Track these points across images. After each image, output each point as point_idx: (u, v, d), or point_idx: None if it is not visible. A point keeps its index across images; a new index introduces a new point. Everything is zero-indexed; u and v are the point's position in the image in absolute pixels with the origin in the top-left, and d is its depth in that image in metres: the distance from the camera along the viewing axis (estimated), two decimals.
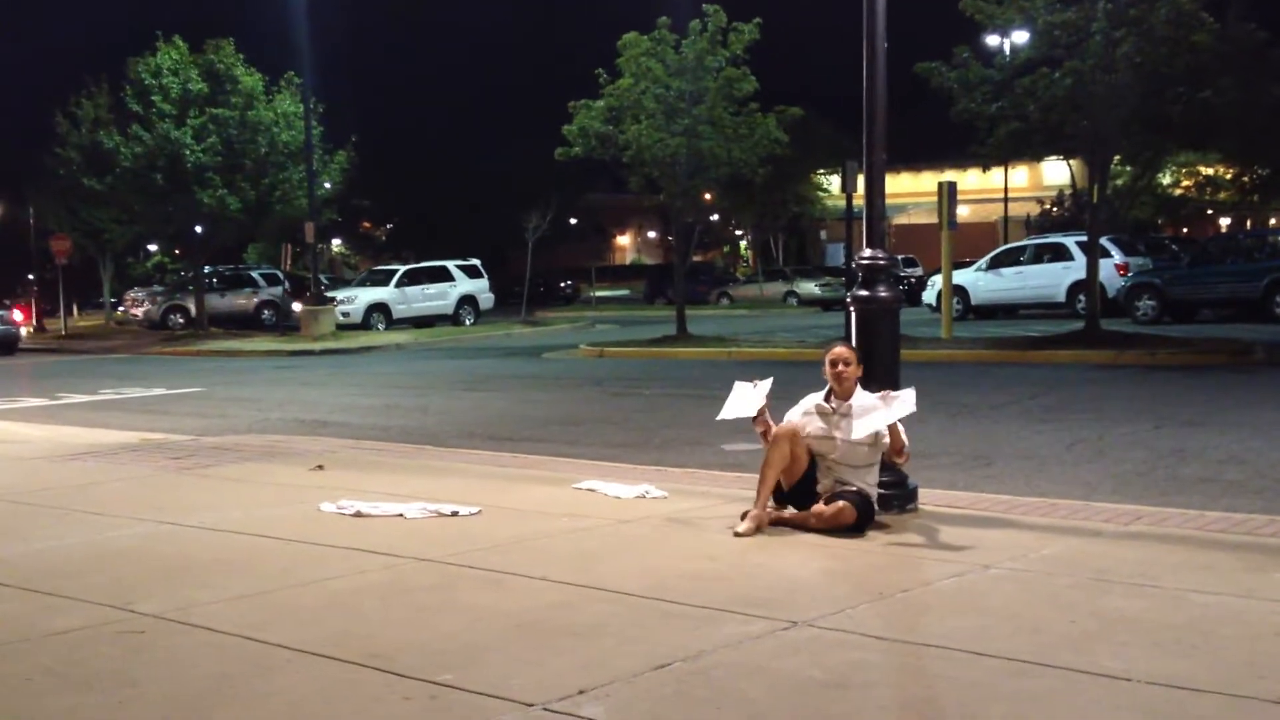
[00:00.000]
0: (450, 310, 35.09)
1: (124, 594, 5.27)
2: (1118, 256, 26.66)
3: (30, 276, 47.36)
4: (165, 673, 4.25)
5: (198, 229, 33.83)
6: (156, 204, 32.22)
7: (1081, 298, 23.86)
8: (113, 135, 31.54)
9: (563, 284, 57.19)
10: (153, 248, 53.93)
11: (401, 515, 6.86)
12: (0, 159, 46.32)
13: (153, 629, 4.77)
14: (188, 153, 30.92)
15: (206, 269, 36.67)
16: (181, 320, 36.36)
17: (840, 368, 6.52)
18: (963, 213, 27.57)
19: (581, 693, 3.90)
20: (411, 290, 34.74)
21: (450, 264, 36.35)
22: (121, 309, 43.32)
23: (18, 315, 33.38)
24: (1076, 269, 25.50)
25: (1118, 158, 19.67)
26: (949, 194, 21.78)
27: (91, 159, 32.36)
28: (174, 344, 30.86)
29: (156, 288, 42.93)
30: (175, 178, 31.22)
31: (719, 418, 6.79)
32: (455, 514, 6.87)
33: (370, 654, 4.34)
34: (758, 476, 6.46)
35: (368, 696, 3.95)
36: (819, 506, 6.24)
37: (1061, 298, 27.35)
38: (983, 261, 29.85)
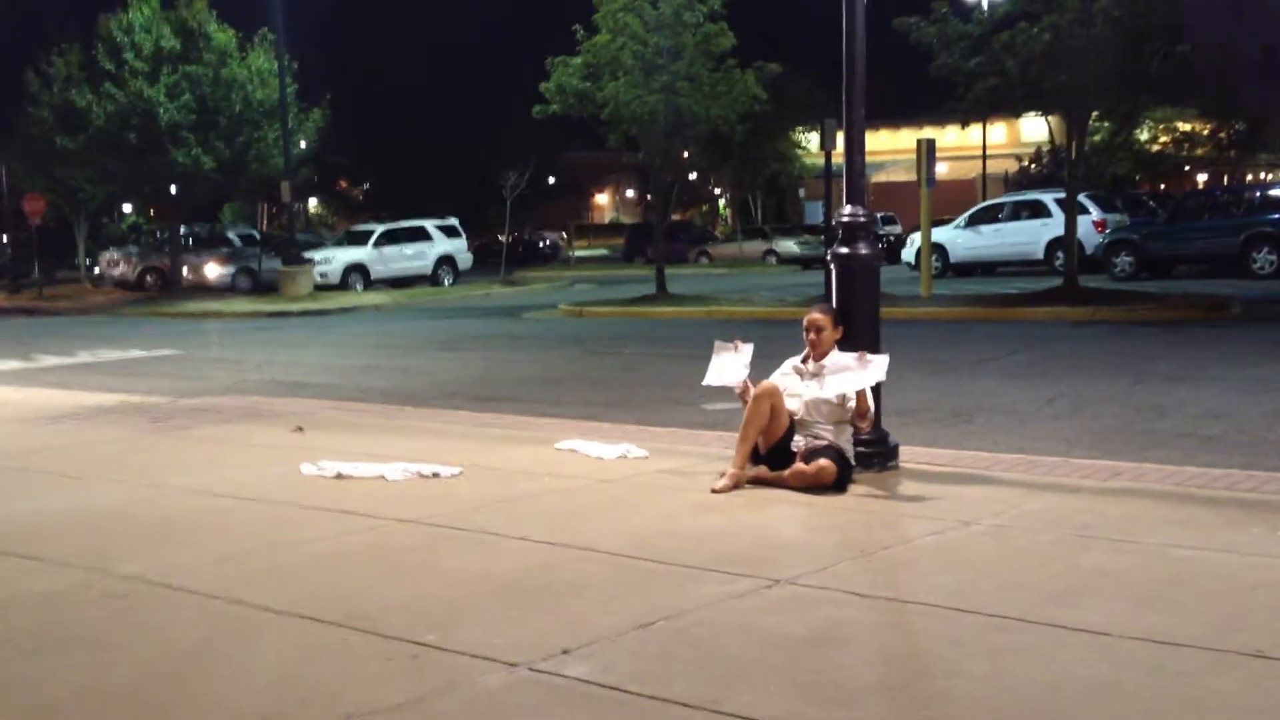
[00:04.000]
0: (429, 270, 34.91)
1: (104, 556, 5.25)
2: (1095, 213, 26.70)
3: (3, 238, 46.85)
4: (147, 635, 4.24)
5: (172, 189, 33.51)
6: (130, 163, 31.88)
7: (1060, 254, 23.91)
8: (85, 93, 31.15)
9: (541, 243, 56.98)
10: (128, 208, 53.39)
11: (382, 476, 6.84)
12: None
13: (134, 592, 4.75)
14: (161, 111, 30.58)
15: (182, 229, 36.35)
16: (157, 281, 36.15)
17: (813, 334, 6.55)
18: (941, 170, 27.61)
19: (565, 652, 3.91)
20: (389, 250, 34.53)
21: (428, 223, 36.13)
22: (97, 270, 42.94)
23: None
24: (1055, 226, 25.52)
25: (1095, 114, 19.65)
26: (928, 151, 21.74)
27: (64, 118, 31.97)
28: (150, 305, 30.65)
29: (132, 248, 42.52)
30: (149, 136, 30.89)
31: (704, 383, 6.81)
32: (436, 475, 6.86)
33: (352, 615, 4.34)
34: (738, 435, 6.47)
35: (351, 657, 3.95)
36: (799, 465, 6.25)
37: (1040, 255, 27.40)
38: (961, 219, 29.86)
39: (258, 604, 4.52)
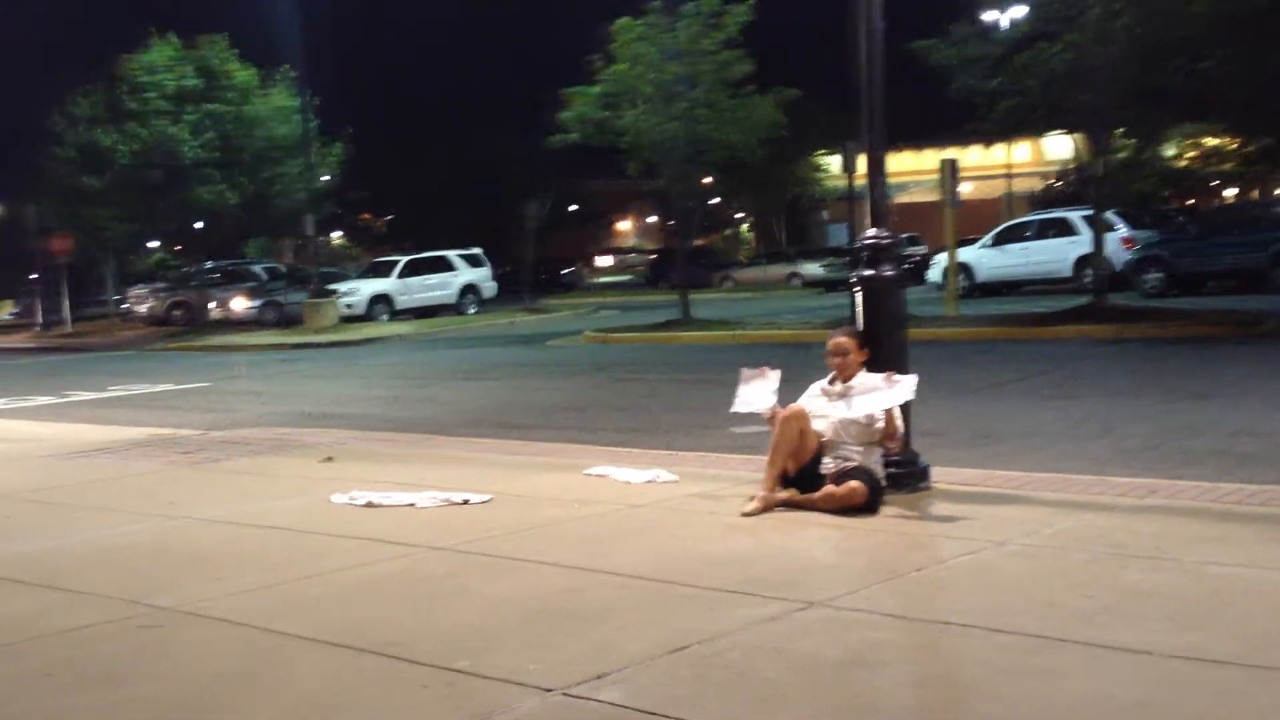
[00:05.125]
0: (453, 300, 35.08)
1: (139, 588, 5.28)
2: (1123, 230, 26.55)
3: (33, 276, 47.32)
4: (183, 666, 4.25)
5: (197, 225, 33.81)
6: (155, 201, 32.21)
7: (1087, 272, 23.79)
8: (109, 133, 31.51)
9: (564, 271, 57.17)
10: (153, 245, 53.86)
11: (412, 505, 6.86)
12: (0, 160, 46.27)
13: (169, 623, 4.78)
14: (185, 149, 30.89)
15: (208, 264, 36.66)
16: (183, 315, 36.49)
17: (839, 357, 6.54)
18: (965, 190, 27.55)
19: (599, 677, 3.90)
20: (413, 281, 34.74)
21: (451, 253, 36.33)
22: (125, 306, 43.36)
23: None
24: (1081, 243, 25.40)
25: (1119, 131, 19.59)
26: (951, 171, 21.73)
27: (89, 157, 32.33)
28: (178, 339, 30.89)
29: (159, 284, 42.90)
30: (173, 174, 31.20)
31: (732, 410, 6.79)
32: (466, 502, 6.87)
33: (386, 643, 4.34)
34: (767, 459, 6.46)
35: (386, 685, 3.95)
36: (829, 487, 6.23)
37: (1067, 273, 27.26)
38: (987, 238, 29.76)
39: (292, 633, 4.53)
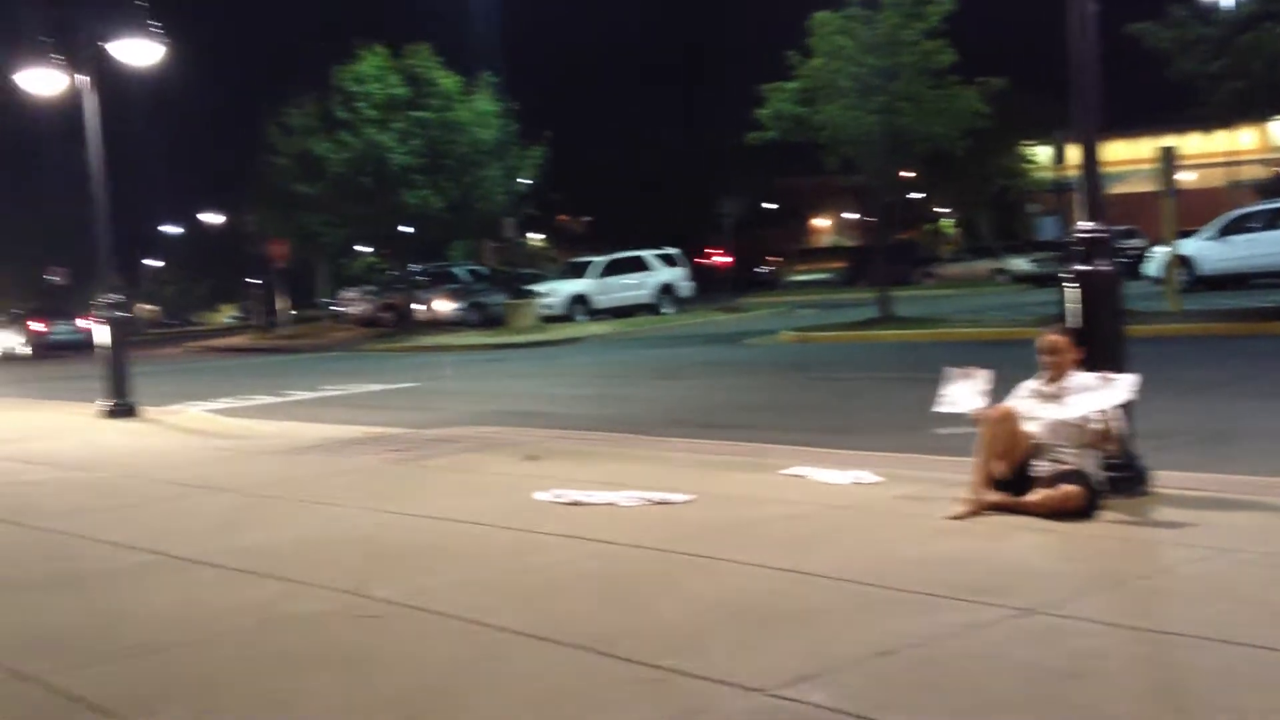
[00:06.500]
0: (650, 299, 35.37)
1: (358, 579, 5.47)
2: None
3: (253, 280, 49.86)
4: (402, 655, 4.39)
5: (405, 229, 35.05)
6: (365, 206, 33.53)
7: None
8: (322, 142, 32.97)
9: (762, 269, 56.97)
10: (364, 249, 56.07)
11: (613, 503, 6.91)
12: (223, 170, 48.99)
13: (387, 613, 4.93)
14: (393, 156, 32.06)
15: (415, 267, 37.97)
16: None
17: (1050, 357, 6.29)
18: (1185, 178, 26.23)
19: (805, 679, 3.84)
20: (611, 281, 35.15)
21: (648, 253, 36.62)
22: (337, 308, 45.27)
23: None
24: None
25: None
26: (1169, 160, 20.72)
27: (304, 166, 33.92)
28: (386, 340, 32.06)
29: (369, 287, 44.64)
30: (382, 180, 32.43)
31: (937, 410, 6.61)
32: (667, 501, 6.89)
33: (593, 638, 4.38)
34: (975, 461, 6.26)
35: (595, 680, 3.99)
36: (1044, 490, 5.99)
37: None
38: (1210, 229, 28.29)
39: (502, 626, 4.62)
